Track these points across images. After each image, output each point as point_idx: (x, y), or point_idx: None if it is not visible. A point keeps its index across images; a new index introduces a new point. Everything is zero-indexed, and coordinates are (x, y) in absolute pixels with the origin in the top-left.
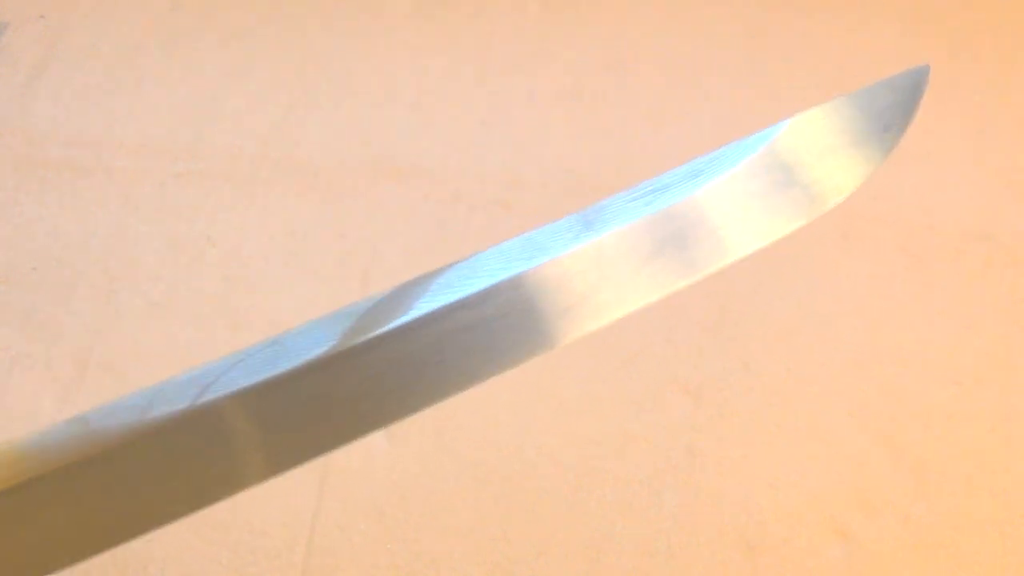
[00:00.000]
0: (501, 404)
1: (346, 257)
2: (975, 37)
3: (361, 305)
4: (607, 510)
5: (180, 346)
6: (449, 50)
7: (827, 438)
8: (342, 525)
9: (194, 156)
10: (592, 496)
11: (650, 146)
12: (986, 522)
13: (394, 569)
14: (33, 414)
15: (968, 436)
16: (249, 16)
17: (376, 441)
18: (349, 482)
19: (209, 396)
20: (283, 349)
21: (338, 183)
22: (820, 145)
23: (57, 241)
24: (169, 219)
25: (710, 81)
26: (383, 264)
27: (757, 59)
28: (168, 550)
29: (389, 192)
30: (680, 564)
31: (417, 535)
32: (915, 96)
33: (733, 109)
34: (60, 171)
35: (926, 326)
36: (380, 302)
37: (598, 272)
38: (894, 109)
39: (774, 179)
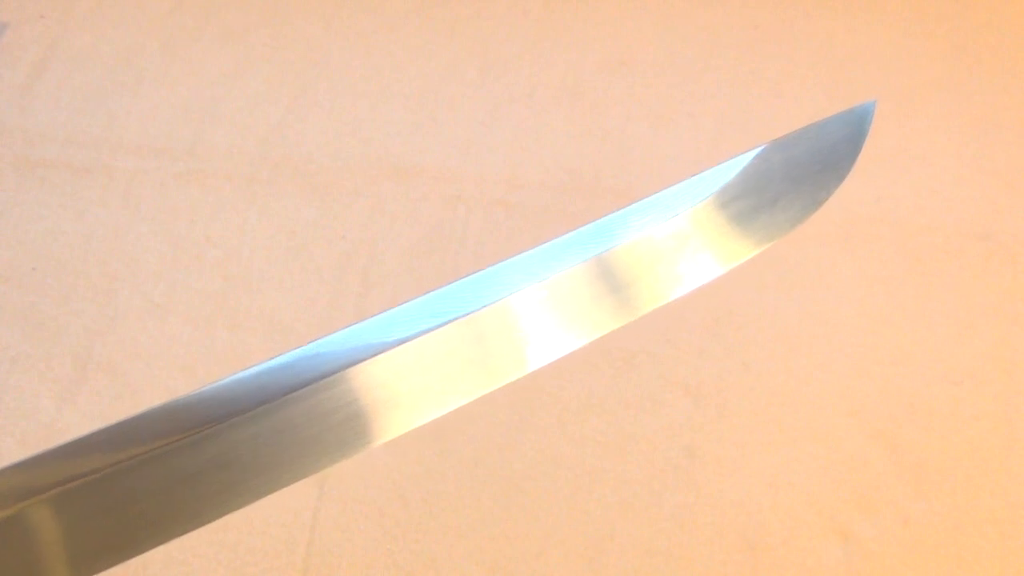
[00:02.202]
0: (501, 404)
1: (346, 257)
2: (975, 37)
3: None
4: (607, 510)
5: (180, 346)
6: (449, 50)
7: (827, 438)
8: (342, 525)
9: (194, 156)
10: (592, 496)
11: (650, 146)
12: (986, 522)
13: (394, 569)
14: (33, 414)
15: (968, 436)
16: (249, 16)
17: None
18: (349, 482)
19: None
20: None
21: (338, 183)
22: (764, 186)
23: (57, 241)
24: (169, 219)
25: (710, 81)
26: (383, 264)
27: (757, 59)
28: (168, 550)
29: (389, 192)
30: (680, 564)
31: (417, 535)
32: (860, 134)
33: (733, 109)
34: (60, 171)
35: (926, 326)
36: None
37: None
38: (839, 147)
39: (717, 227)
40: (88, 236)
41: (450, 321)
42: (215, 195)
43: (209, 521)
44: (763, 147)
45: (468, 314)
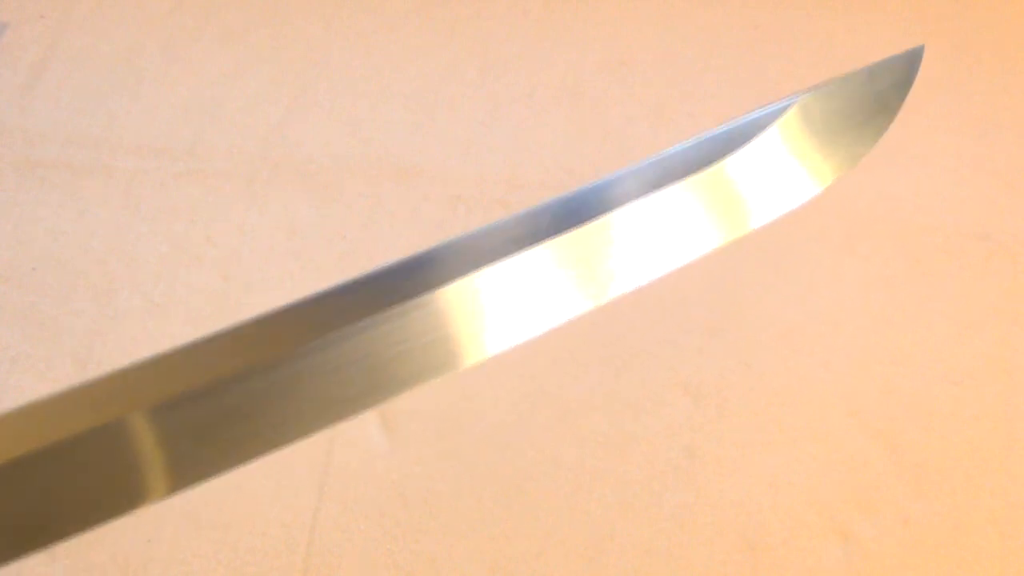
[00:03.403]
0: (501, 404)
1: (346, 257)
2: (976, 37)
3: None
4: (607, 510)
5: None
6: (449, 50)
7: (827, 438)
8: (342, 525)
9: (194, 156)
10: (592, 496)
11: (650, 146)
12: (986, 522)
13: (394, 569)
14: None
15: (968, 436)
16: (249, 16)
17: (376, 441)
18: (349, 482)
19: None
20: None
21: (338, 183)
22: (818, 128)
23: (57, 241)
24: (169, 219)
25: (710, 81)
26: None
27: (757, 59)
28: (169, 550)
29: (389, 192)
30: (680, 564)
31: (417, 535)
32: (910, 77)
33: (733, 109)
34: (60, 171)
35: (926, 326)
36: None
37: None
38: (890, 91)
39: (776, 160)
40: (88, 236)
41: (547, 238)
42: (215, 195)
43: (305, 436)
44: (809, 91)
45: (566, 231)
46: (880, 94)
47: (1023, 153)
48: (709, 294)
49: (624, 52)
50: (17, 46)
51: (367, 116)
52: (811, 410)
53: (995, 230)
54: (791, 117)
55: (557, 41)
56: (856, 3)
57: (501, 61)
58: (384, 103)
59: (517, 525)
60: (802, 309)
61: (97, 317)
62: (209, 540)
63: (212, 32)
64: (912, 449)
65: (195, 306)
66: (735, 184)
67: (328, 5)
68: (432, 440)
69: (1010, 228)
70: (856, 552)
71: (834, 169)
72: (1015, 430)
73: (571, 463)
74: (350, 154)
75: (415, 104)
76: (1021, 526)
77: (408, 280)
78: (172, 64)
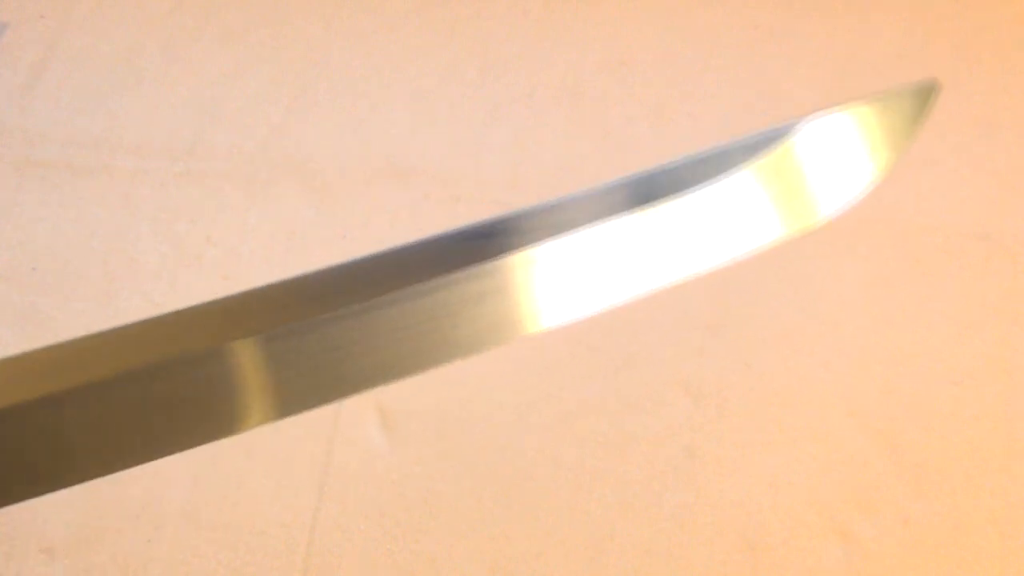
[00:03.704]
0: (501, 404)
1: (346, 257)
2: (977, 38)
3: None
4: (607, 510)
5: None
6: (449, 50)
7: (827, 438)
8: (342, 525)
9: (194, 156)
10: (592, 496)
11: (650, 146)
12: (986, 522)
13: (394, 569)
14: None
15: (968, 436)
16: (249, 16)
17: (376, 441)
18: (349, 482)
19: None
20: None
21: (338, 183)
22: (829, 152)
23: (57, 241)
24: (169, 219)
25: (710, 81)
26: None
27: (757, 59)
28: (169, 550)
29: (389, 192)
30: (680, 564)
31: (417, 535)
32: (923, 111)
33: (733, 109)
34: (60, 171)
35: (926, 326)
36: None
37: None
38: (903, 123)
39: (783, 183)
40: (88, 236)
41: (622, 214)
42: (215, 195)
43: (396, 379)
44: (816, 118)
45: (639, 209)
46: (889, 129)
47: (1023, 153)
48: (709, 294)
49: (624, 52)
50: (17, 46)
51: (367, 116)
52: (811, 410)
53: (995, 230)
54: (806, 135)
55: (557, 41)
56: (856, 3)
57: (501, 61)
58: (384, 103)
59: (517, 525)
60: (802, 309)
61: (97, 317)
62: (209, 540)
63: (212, 32)
64: (912, 449)
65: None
66: (795, 176)
67: (328, 5)
68: (432, 440)
69: (1010, 228)
70: (856, 552)
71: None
72: (1015, 430)
73: (571, 463)
74: (350, 154)
75: (415, 104)
76: (1021, 526)
77: (475, 246)
78: (172, 64)
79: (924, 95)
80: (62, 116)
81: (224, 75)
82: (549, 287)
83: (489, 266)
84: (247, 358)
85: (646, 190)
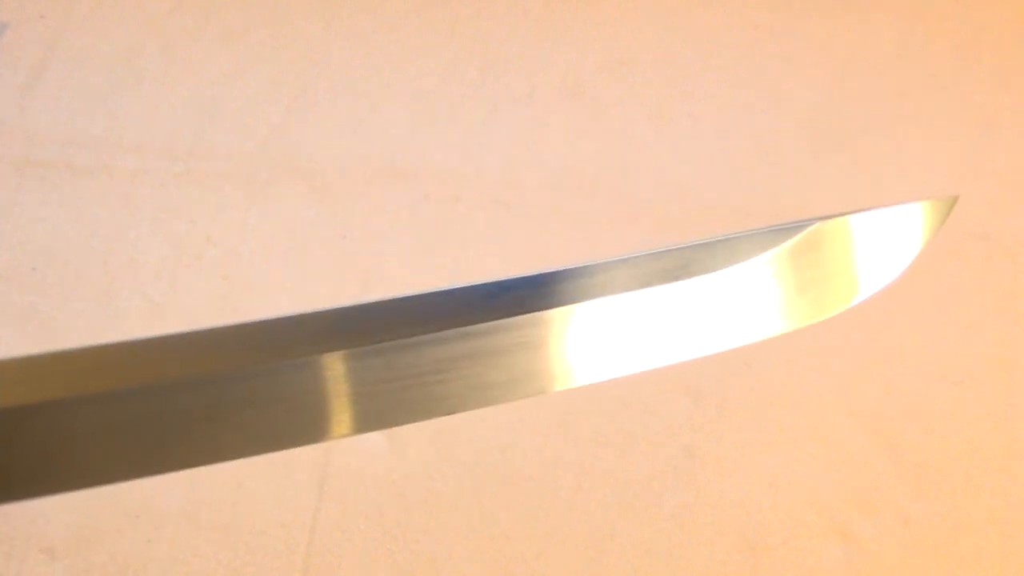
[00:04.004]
0: (501, 405)
1: (346, 257)
2: (976, 38)
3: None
4: (607, 510)
5: None
6: (449, 50)
7: (827, 438)
8: (342, 525)
9: (194, 156)
10: (592, 496)
11: (650, 146)
12: (986, 522)
13: (394, 569)
14: None
15: (968, 436)
16: (249, 16)
17: (376, 441)
18: (349, 482)
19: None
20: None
21: (338, 183)
22: (835, 255)
23: (57, 241)
24: (169, 219)
25: (710, 81)
26: (383, 264)
27: (757, 59)
28: (169, 550)
29: (389, 192)
30: (680, 564)
31: (417, 535)
32: (937, 224)
33: (733, 109)
34: (60, 171)
35: (926, 326)
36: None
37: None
38: (913, 234)
39: (785, 279)
40: (88, 236)
41: (658, 284)
42: (215, 195)
43: (462, 410)
44: (832, 218)
45: (679, 279)
46: (899, 237)
47: (1023, 153)
48: None
49: (624, 52)
50: (17, 46)
51: (367, 116)
52: (811, 410)
53: (995, 230)
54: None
55: (557, 41)
56: (856, 3)
57: (501, 61)
58: (384, 103)
59: (517, 525)
60: None
61: (97, 317)
62: (209, 540)
63: (212, 32)
64: (912, 449)
65: (195, 306)
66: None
67: (328, 5)
68: (432, 440)
69: (1010, 228)
70: (856, 552)
71: (838, 301)
72: (1015, 430)
73: (571, 463)
74: (350, 154)
75: (415, 104)
76: (1021, 526)
77: (525, 296)
78: (172, 64)
79: (943, 209)
80: (62, 116)
81: (224, 75)
82: (582, 346)
83: (534, 317)
84: (335, 372)
85: (675, 263)
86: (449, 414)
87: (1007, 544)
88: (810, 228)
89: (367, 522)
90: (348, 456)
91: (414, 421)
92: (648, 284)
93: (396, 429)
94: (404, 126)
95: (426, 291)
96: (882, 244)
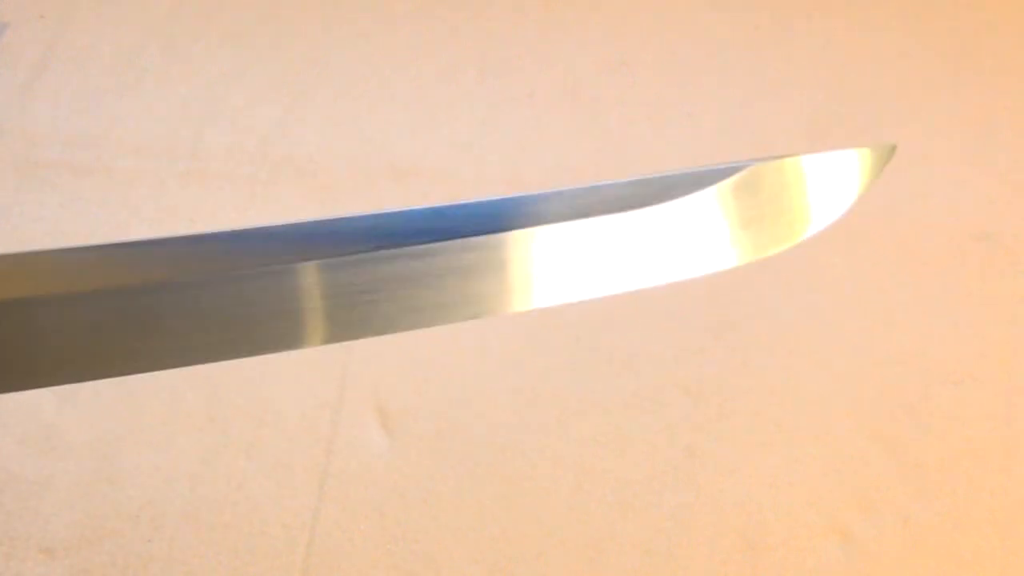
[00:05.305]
0: (501, 404)
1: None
2: (975, 38)
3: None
4: (607, 510)
5: None
6: (449, 50)
7: (827, 438)
8: (342, 525)
9: (194, 156)
10: (592, 496)
11: (650, 146)
12: (986, 522)
13: (394, 569)
14: (33, 414)
15: (968, 436)
16: (249, 16)
17: (376, 441)
18: (349, 482)
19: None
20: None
21: (338, 183)
22: (777, 195)
23: (57, 241)
24: (169, 219)
25: (710, 81)
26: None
27: (757, 59)
28: (169, 550)
29: (389, 192)
30: (680, 564)
31: (417, 535)
32: (877, 170)
33: (732, 109)
34: (60, 171)
35: (926, 326)
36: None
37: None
38: (856, 177)
39: (728, 215)
40: (88, 236)
41: (615, 211)
42: (215, 195)
43: (424, 326)
44: (772, 158)
45: (623, 211)
46: (838, 181)
47: (1023, 153)
48: (709, 294)
49: (624, 52)
50: (17, 46)
51: (367, 116)
52: (811, 410)
53: (995, 230)
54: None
55: (557, 41)
56: (856, 3)
57: (501, 61)
58: (384, 103)
59: (517, 525)
60: (802, 309)
61: None
62: (209, 540)
63: (212, 32)
64: (912, 449)
65: None
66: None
67: (328, 5)
68: (432, 440)
69: (1010, 228)
70: (856, 552)
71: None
72: (1015, 430)
73: (571, 463)
74: (350, 154)
75: (415, 104)
76: (1021, 526)
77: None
78: (172, 64)
79: (881, 156)
80: (62, 116)
81: (224, 75)
82: (546, 268)
83: (493, 239)
84: (309, 282)
85: (632, 193)
86: (412, 329)
87: (1007, 544)
88: (750, 167)
89: (367, 522)
90: (348, 456)
91: (382, 334)
92: (593, 214)
93: (396, 430)
94: (404, 126)
95: (393, 209)
96: (822, 186)
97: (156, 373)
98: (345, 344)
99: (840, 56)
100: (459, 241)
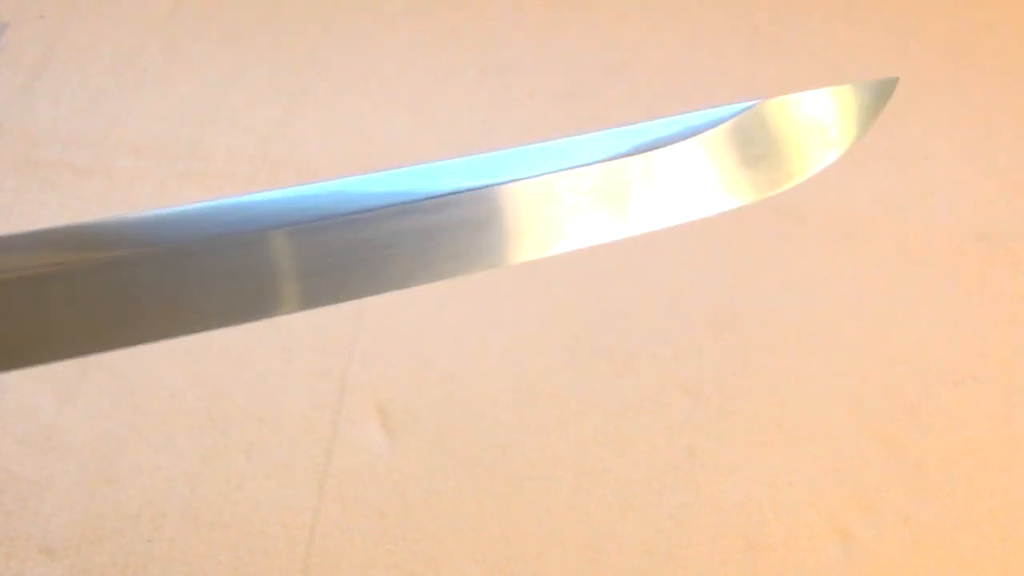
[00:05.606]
0: (501, 404)
1: None
2: (975, 37)
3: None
4: (607, 510)
5: (180, 346)
6: (449, 50)
7: (827, 438)
8: (342, 525)
9: (194, 156)
10: (592, 496)
11: None
12: (986, 522)
13: (394, 569)
14: (33, 414)
15: (968, 436)
16: (249, 16)
17: (376, 441)
18: (349, 482)
19: (260, 225)
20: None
21: None
22: (782, 132)
23: None
24: None
25: (710, 81)
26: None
27: (756, 59)
28: (169, 550)
29: None
30: (680, 564)
31: (417, 535)
32: (880, 105)
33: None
34: (60, 171)
35: (926, 326)
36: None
37: (551, 203)
38: (859, 112)
39: (732, 155)
40: None
41: (606, 159)
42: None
43: (396, 288)
44: (777, 99)
45: (620, 156)
46: (842, 118)
47: (1023, 153)
48: (709, 294)
49: (624, 52)
50: (17, 46)
51: (367, 116)
52: (811, 410)
53: (995, 230)
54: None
55: (557, 41)
56: (856, 4)
57: (501, 61)
58: (384, 103)
59: (517, 525)
60: (802, 309)
61: None
62: (209, 540)
63: (212, 32)
64: (912, 449)
65: None
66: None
67: (328, 5)
68: (432, 440)
69: (1010, 228)
70: (856, 552)
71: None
72: (1015, 430)
73: (571, 463)
74: (350, 154)
75: (415, 104)
76: (1021, 526)
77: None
78: (172, 64)
79: (884, 89)
80: (62, 116)
81: (224, 75)
82: (531, 221)
83: (486, 192)
84: (279, 249)
85: (639, 136)
86: (397, 289)
87: (1007, 544)
88: (753, 106)
89: (367, 522)
90: (348, 456)
91: (362, 296)
92: (599, 159)
93: (396, 430)
94: (404, 126)
95: (374, 172)
96: (826, 122)
97: (156, 373)
98: (345, 344)
99: (840, 56)
100: (466, 194)
